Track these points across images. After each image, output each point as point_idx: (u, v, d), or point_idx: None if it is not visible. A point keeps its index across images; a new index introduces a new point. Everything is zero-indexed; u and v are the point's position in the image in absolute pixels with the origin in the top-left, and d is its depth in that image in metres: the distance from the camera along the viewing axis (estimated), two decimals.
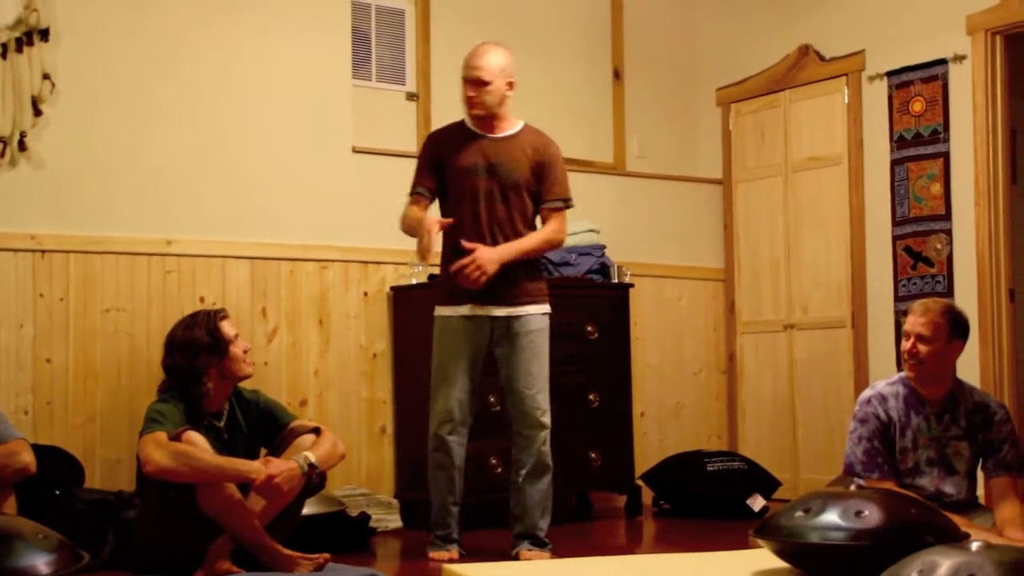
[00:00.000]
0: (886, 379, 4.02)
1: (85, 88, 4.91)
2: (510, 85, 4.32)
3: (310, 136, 5.43)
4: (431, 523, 4.39)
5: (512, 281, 4.26)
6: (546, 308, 4.36)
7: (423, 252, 4.17)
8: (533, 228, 4.38)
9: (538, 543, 4.25)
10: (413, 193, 4.37)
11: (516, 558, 4.20)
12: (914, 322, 3.82)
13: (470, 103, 4.29)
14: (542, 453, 4.27)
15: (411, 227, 4.31)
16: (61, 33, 4.84)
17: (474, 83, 4.26)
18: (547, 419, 4.28)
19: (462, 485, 4.36)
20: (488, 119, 4.32)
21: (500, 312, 4.28)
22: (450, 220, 4.23)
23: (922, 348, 3.79)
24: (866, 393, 3.96)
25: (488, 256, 4.18)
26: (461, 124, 4.42)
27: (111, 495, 4.36)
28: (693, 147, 6.77)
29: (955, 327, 3.83)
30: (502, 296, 4.26)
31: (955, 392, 3.89)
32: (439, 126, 5.70)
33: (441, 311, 4.35)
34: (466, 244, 4.20)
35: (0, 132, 4.70)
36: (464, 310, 4.28)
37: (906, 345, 3.84)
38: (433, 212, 4.39)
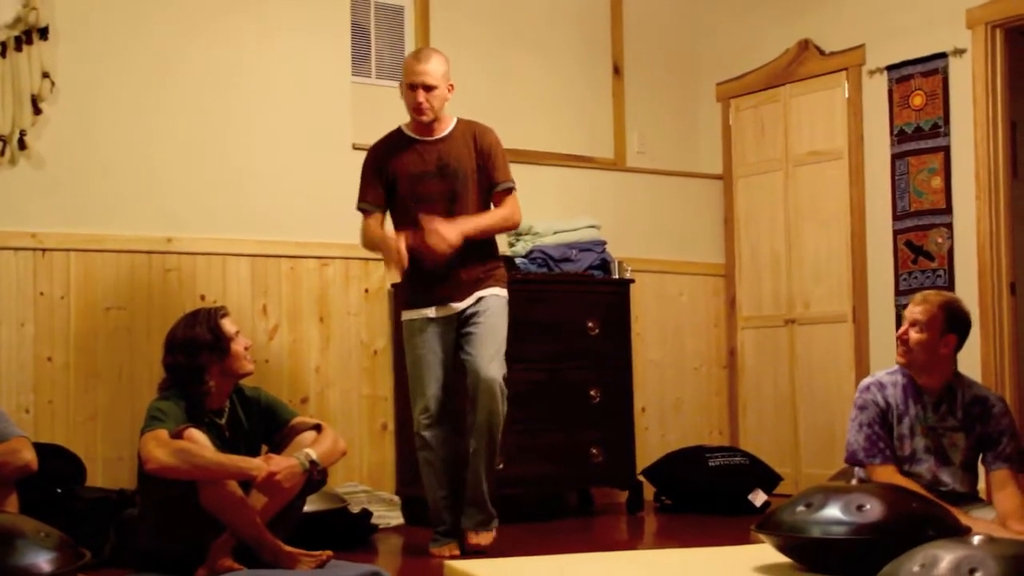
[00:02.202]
0: (886, 369, 4.04)
1: (85, 86, 4.91)
2: (451, 88, 4.39)
3: (310, 133, 5.43)
4: (430, 520, 4.41)
5: (471, 273, 4.34)
6: (503, 292, 4.41)
7: (397, 268, 4.27)
8: None
9: (485, 521, 4.32)
10: (362, 209, 4.42)
11: (464, 537, 4.30)
12: (911, 310, 3.86)
13: (419, 109, 4.31)
14: (493, 425, 4.29)
15: (374, 244, 4.40)
16: (60, 31, 4.84)
17: (423, 88, 4.30)
18: (501, 393, 4.28)
19: (452, 479, 4.39)
20: (430, 123, 4.37)
21: (463, 305, 4.34)
22: (409, 243, 4.26)
23: (913, 335, 3.82)
24: (865, 381, 4.00)
25: (448, 231, 4.20)
26: (399, 132, 4.47)
27: (112, 493, 4.36)
28: (693, 142, 6.76)
29: (951, 321, 3.84)
30: (463, 291, 4.33)
31: (953, 384, 3.91)
32: None
33: (407, 315, 4.41)
34: (424, 217, 4.24)
35: (0, 131, 4.70)
36: (429, 312, 4.35)
37: (899, 331, 3.87)
38: (387, 225, 4.47)
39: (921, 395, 3.88)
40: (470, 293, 4.35)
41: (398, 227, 4.40)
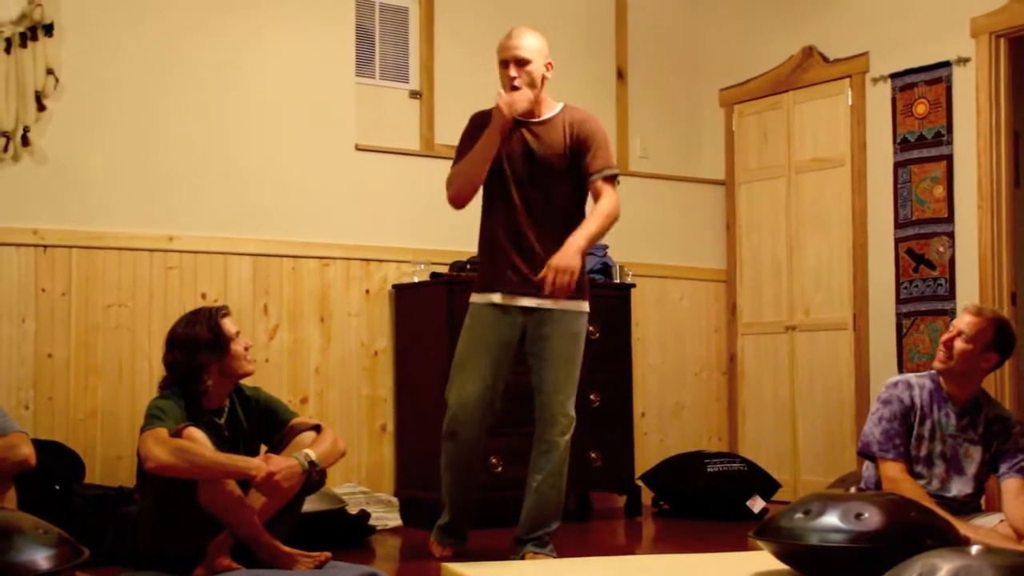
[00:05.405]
0: (916, 372, 4.13)
1: (88, 83, 4.91)
2: (548, 66, 4.16)
3: (313, 133, 5.43)
4: (441, 504, 4.34)
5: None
6: (584, 307, 4.19)
7: (518, 103, 4.01)
8: (572, 214, 4.17)
9: (541, 544, 4.16)
10: None
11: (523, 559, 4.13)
12: (962, 319, 3.92)
13: (512, 86, 4.08)
14: (561, 461, 4.14)
15: (469, 160, 4.09)
16: (65, 28, 4.84)
17: (515, 63, 4.08)
18: (572, 427, 4.15)
19: (469, 481, 4.28)
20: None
21: (533, 303, 4.10)
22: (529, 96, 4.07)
23: (958, 344, 3.87)
24: (894, 378, 4.06)
25: (569, 257, 3.93)
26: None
27: (111, 491, 4.36)
28: (696, 148, 6.77)
29: (997, 339, 3.90)
30: (537, 284, 4.02)
31: (980, 399, 3.98)
32: (444, 124, 5.75)
33: (473, 298, 4.20)
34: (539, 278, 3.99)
35: (3, 127, 4.70)
36: (495, 298, 4.12)
37: (945, 336, 3.92)
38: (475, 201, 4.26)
39: (947, 402, 3.94)
40: (547, 294, 4.00)
41: (489, 204, 4.17)
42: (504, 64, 4.13)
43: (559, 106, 4.23)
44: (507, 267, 4.12)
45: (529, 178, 4.13)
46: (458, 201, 4.20)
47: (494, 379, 4.15)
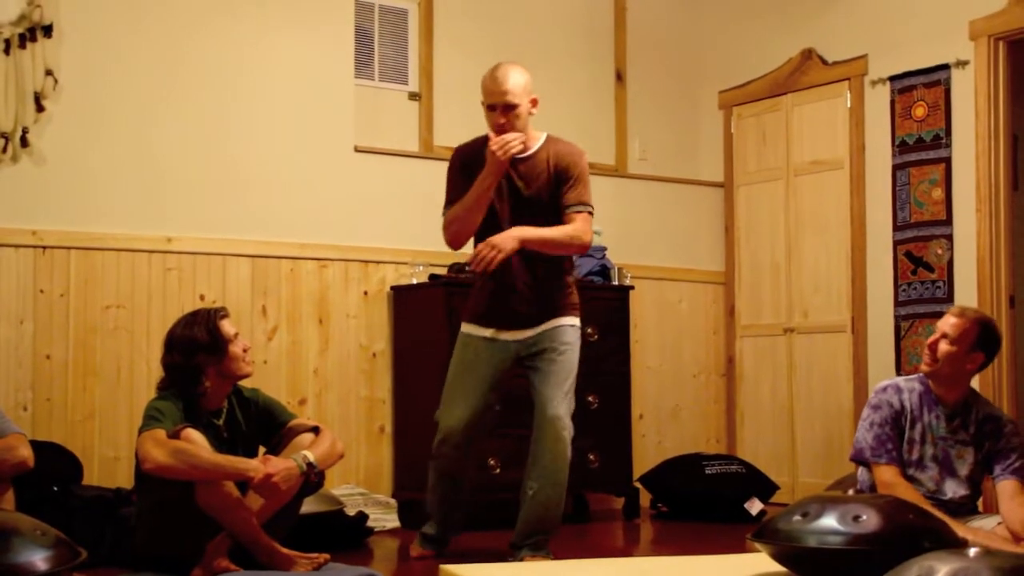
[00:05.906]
0: (905, 376, 4.12)
1: (87, 84, 4.91)
2: (534, 103, 4.14)
3: (312, 135, 5.43)
4: (426, 514, 4.40)
5: (540, 300, 4.14)
6: (575, 320, 4.22)
7: (512, 147, 3.99)
8: None
9: (537, 547, 4.15)
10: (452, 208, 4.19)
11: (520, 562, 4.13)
12: (946, 321, 3.92)
13: (501, 131, 4.04)
14: (559, 469, 4.13)
15: (464, 205, 4.09)
16: (64, 29, 4.84)
17: (504, 109, 4.04)
18: (568, 434, 4.13)
19: (455, 495, 4.31)
20: None
21: (529, 334, 4.15)
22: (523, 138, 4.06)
23: (942, 347, 3.87)
24: (883, 383, 4.05)
25: (503, 236, 4.00)
26: (486, 140, 4.14)
27: (109, 492, 4.36)
28: (695, 150, 6.77)
29: (982, 339, 3.89)
30: (531, 318, 4.14)
31: (970, 400, 3.97)
32: (443, 126, 5.76)
33: (464, 328, 4.24)
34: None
35: (2, 128, 4.70)
36: (487, 333, 4.17)
37: (930, 339, 3.92)
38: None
39: (937, 405, 3.94)
40: (539, 321, 4.14)
41: (481, 239, 4.14)
42: (492, 108, 4.10)
43: (542, 138, 4.23)
44: (499, 302, 4.16)
45: (518, 214, 4.13)
46: (455, 244, 4.24)
47: (485, 402, 4.19)
